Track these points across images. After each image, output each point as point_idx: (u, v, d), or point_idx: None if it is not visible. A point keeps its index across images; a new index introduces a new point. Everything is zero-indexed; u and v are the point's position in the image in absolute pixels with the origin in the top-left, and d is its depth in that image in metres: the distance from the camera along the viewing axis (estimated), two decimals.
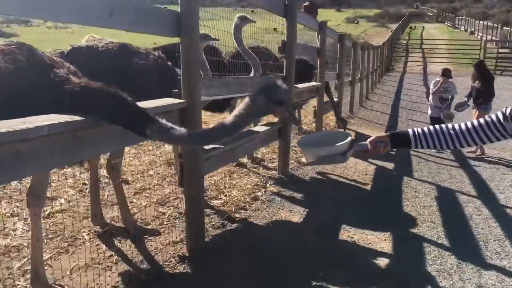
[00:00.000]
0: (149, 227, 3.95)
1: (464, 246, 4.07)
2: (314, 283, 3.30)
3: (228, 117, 2.21)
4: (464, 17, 49.15)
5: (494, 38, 30.69)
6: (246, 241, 3.84)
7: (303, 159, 2.40)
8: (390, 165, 6.73)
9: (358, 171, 6.28)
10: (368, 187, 5.63)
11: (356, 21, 51.75)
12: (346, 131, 6.69)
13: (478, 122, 2.09)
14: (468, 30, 41.77)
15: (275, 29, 8.14)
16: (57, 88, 2.16)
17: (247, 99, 2.18)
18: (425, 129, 2.21)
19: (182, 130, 2.17)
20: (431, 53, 27.95)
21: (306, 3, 9.46)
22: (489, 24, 36.11)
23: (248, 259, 3.54)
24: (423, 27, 48.49)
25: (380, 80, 19.61)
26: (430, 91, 8.17)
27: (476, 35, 37.88)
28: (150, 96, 2.90)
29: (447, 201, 5.31)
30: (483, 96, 7.61)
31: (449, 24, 51.59)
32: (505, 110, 2.01)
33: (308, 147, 2.30)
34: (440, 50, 28.12)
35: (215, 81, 3.73)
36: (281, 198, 4.94)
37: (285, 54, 5.32)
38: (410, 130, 2.24)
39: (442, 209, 4.98)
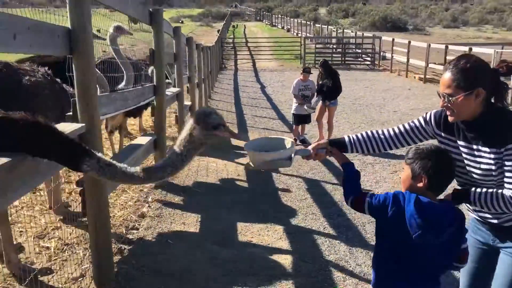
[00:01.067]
0: (37, 265, 3.50)
1: (348, 232, 4.49)
2: None
3: (172, 154, 2.11)
4: (280, 16, 53.18)
5: (309, 34, 33.86)
6: (152, 264, 3.66)
7: (250, 163, 2.42)
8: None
9: (230, 173, 6.42)
10: (246, 188, 5.81)
11: (181, 21, 52.11)
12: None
13: (404, 127, 2.33)
14: (285, 28, 45.40)
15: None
16: None
17: (185, 134, 2.09)
18: (359, 135, 2.39)
19: (131, 167, 2.02)
20: (257, 50, 29.65)
21: None
22: (302, 21, 39.73)
23: (161, 284, 3.39)
24: (245, 25, 51.15)
25: (217, 79, 20.13)
26: (292, 91, 8.57)
27: (292, 32, 41.37)
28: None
29: (316, 191, 5.77)
30: (332, 92, 8.27)
31: (267, 23, 55.34)
32: (426, 115, 2.28)
33: (257, 152, 2.35)
34: (264, 47, 29.99)
35: (104, 98, 3.45)
36: (169, 211, 4.81)
37: (155, 62, 5.16)
38: (346, 137, 2.41)
39: (316, 200, 5.40)
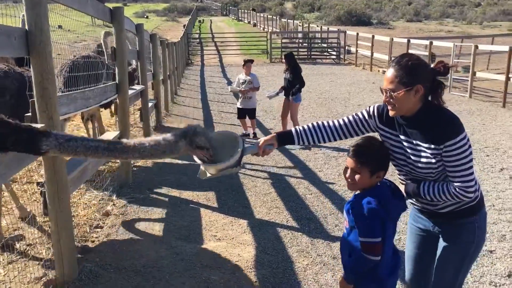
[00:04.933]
0: None
1: (310, 224, 4.63)
2: None
3: (140, 140, 2.09)
4: (246, 10, 53.13)
5: (275, 29, 34.00)
6: (116, 261, 3.70)
7: (202, 169, 2.40)
8: None
9: (195, 170, 6.46)
10: (211, 184, 5.87)
11: (146, 16, 51.44)
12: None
13: (348, 119, 2.43)
14: (251, 23, 45.42)
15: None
16: None
17: (170, 136, 2.10)
18: (305, 126, 2.47)
19: (95, 140, 2.03)
20: (224, 45, 29.62)
21: None
22: (268, 16, 39.83)
23: (125, 280, 3.44)
24: (211, 20, 50.92)
25: (183, 75, 20.05)
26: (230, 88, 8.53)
27: (259, 26, 41.44)
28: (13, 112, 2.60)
29: (281, 185, 5.89)
30: (293, 86, 8.25)
31: (233, 17, 55.20)
32: (369, 109, 2.39)
33: (208, 164, 2.34)
34: (231, 42, 29.98)
35: (64, 98, 3.46)
36: (133, 208, 4.84)
37: (117, 61, 5.16)
38: (293, 129, 2.49)
39: (280, 194, 5.53)
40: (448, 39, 21.96)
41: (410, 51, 17.52)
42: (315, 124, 2.46)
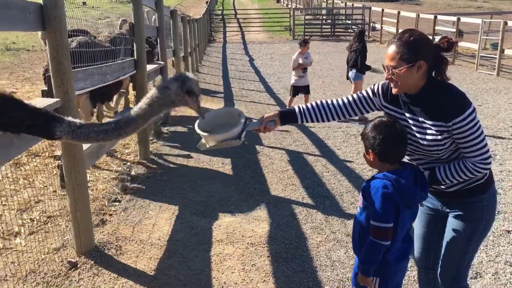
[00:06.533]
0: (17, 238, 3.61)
1: (326, 201, 4.63)
2: (211, 261, 3.45)
3: (137, 106, 2.13)
4: None
5: (298, 5, 33.54)
6: (132, 234, 3.79)
7: (202, 141, 2.41)
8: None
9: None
10: (229, 160, 5.91)
11: None
12: None
13: (352, 97, 2.39)
14: None
15: None
16: None
17: (154, 89, 2.14)
18: (309, 105, 2.44)
19: (102, 124, 2.07)
20: (246, 22, 29.38)
21: None
22: None
23: (141, 252, 3.52)
24: None
25: (205, 52, 20.02)
26: (293, 65, 8.59)
27: (282, 3, 40.91)
28: None
29: (298, 163, 5.89)
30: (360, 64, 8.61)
31: None
32: (373, 87, 2.35)
33: (207, 132, 2.36)
34: (254, 19, 29.72)
35: (80, 73, 3.50)
36: (152, 183, 4.92)
37: (134, 37, 5.18)
38: (296, 107, 2.45)
39: (297, 171, 5.53)
40: (477, 15, 21.33)
41: (437, 28, 17.10)
42: (318, 102, 2.43)
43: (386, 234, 2.05)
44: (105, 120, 6.57)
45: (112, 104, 6.28)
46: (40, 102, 2.81)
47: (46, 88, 3.01)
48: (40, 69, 12.15)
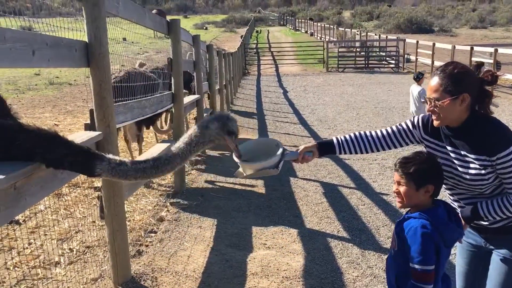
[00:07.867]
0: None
1: (361, 235, 4.55)
2: None
3: (175, 145, 2.20)
4: (303, 20, 53.23)
5: (332, 38, 33.83)
6: (168, 265, 3.81)
7: (240, 170, 2.44)
8: None
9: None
10: (263, 192, 5.92)
11: (205, 27, 52.76)
12: None
13: (392, 129, 2.37)
14: (308, 32, 45.45)
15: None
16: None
17: (194, 128, 2.21)
18: (347, 136, 2.43)
19: (140, 162, 2.13)
20: (280, 55, 29.80)
21: (154, 11, 9.49)
22: (326, 25, 39.71)
23: (176, 284, 3.53)
24: (268, 30, 51.38)
25: (239, 85, 20.34)
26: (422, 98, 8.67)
27: (315, 36, 41.38)
28: None
29: (333, 195, 5.83)
30: None
31: (290, 27, 55.45)
32: (413, 119, 2.33)
33: (245, 161, 2.40)
34: (288, 52, 30.12)
35: (121, 107, 3.62)
36: (186, 215, 4.96)
37: (173, 71, 5.34)
38: (334, 138, 2.45)
39: (332, 204, 5.47)
40: None
41: (474, 59, 16.87)
42: (357, 133, 2.42)
43: (429, 277, 1.97)
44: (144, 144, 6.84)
45: (165, 127, 6.69)
46: (83, 135, 2.91)
47: (89, 122, 3.12)
48: (82, 102, 12.62)
